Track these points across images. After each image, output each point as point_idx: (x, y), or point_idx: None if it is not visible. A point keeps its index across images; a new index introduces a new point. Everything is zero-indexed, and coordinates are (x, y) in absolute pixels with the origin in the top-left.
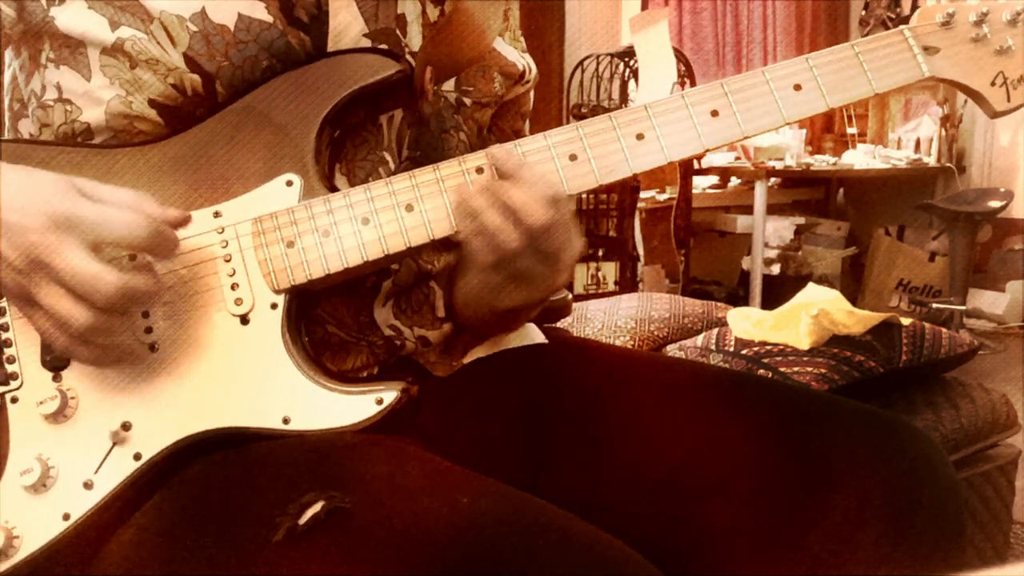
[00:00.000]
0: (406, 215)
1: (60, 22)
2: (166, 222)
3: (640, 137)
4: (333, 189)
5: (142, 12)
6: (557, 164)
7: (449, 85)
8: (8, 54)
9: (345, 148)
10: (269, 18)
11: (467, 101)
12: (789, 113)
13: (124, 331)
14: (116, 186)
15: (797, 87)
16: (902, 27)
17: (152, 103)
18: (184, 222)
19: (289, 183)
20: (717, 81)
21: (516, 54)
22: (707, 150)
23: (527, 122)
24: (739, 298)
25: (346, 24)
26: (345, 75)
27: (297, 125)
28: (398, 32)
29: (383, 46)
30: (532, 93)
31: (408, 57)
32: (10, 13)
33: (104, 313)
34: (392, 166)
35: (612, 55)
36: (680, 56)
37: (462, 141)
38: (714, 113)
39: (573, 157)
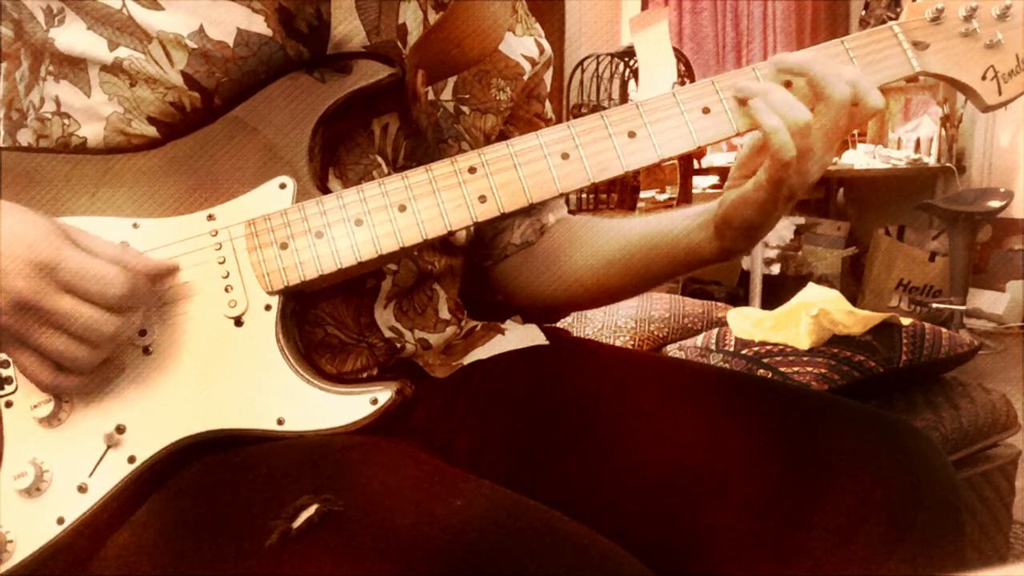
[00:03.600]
0: (399, 215)
1: (59, 42)
2: (149, 272)
3: (632, 135)
4: (326, 192)
5: (140, 33)
6: (549, 163)
7: (447, 94)
8: (8, 64)
9: (338, 152)
10: (268, 31)
11: (465, 109)
12: None
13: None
14: (104, 239)
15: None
16: (891, 23)
17: (151, 120)
18: (171, 272)
19: (282, 185)
20: (708, 79)
21: (526, 45)
22: (699, 146)
23: (547, 104)
24: (739, 298)
25: (346, 36)
26: (338, 79)
27: (290, 128)
28: (399, 44)
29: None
30: (548, 76)
31: (404, 61)
32: (8, 32)
33: (106, 348)
34: (386, 170)
35: (612, 55)
36: (680, 56)
37: (463, 151)
38: (705, 110)
39: (565, 156)
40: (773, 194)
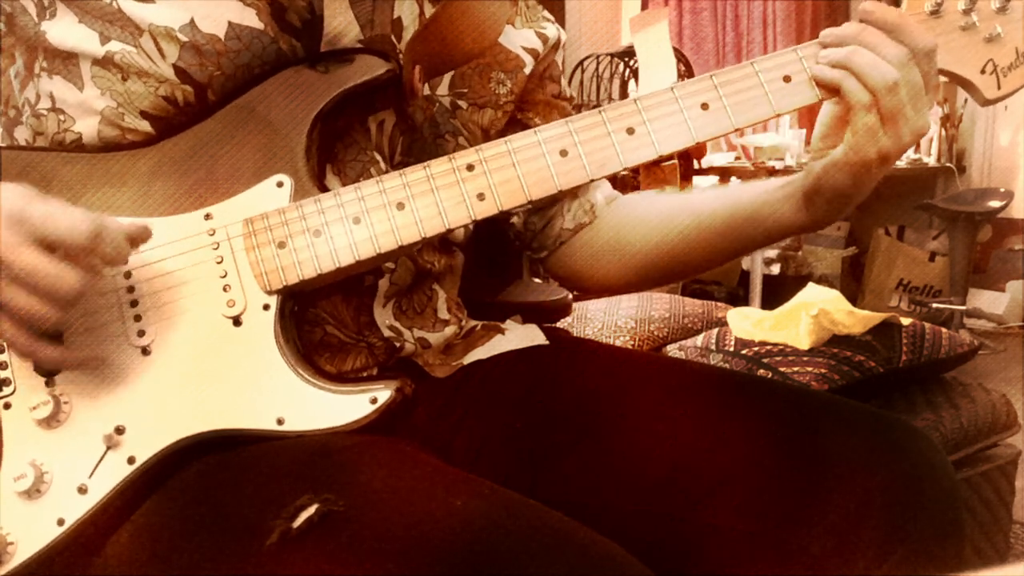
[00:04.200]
0: (397, 213)
1: (51, 36)
2: (126, 234)
3: (631, 131)
4: (324, 189)
5: (131, 26)
6: (548, 160)
7: (443, 88)
8: (3, 60)
9: (335, 149)
10: (260, 25)
11: (462, 104)
12: (779, 104)
13: (114, 334)
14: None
15: (786, 78)
16: None
17: (144, 114)
18: (144, 236)
19: (280, 184)
20: (706, 74)
21: (526, 37)
22: (697, 142)
23: (563, 82)
24: (739, 298)
25: (340, 31)
26: (335, 75)
27: (287, 126)
28: (393, 39)
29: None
30: (560, 56)
31: (399, 56)
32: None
33: (67, 309)
34: (383, 166)
35: (612, 55)
36: (680, 56)
37: (460, 146)
38: (704, 106)
39: (564, 153)
40: (866, 156)
